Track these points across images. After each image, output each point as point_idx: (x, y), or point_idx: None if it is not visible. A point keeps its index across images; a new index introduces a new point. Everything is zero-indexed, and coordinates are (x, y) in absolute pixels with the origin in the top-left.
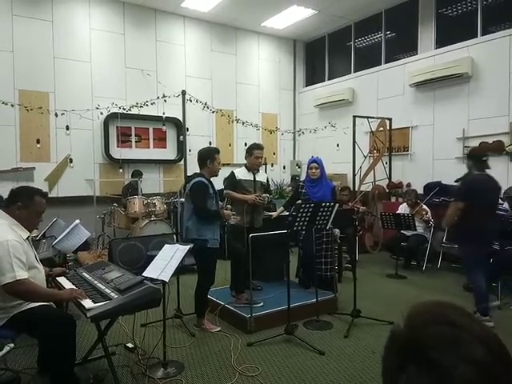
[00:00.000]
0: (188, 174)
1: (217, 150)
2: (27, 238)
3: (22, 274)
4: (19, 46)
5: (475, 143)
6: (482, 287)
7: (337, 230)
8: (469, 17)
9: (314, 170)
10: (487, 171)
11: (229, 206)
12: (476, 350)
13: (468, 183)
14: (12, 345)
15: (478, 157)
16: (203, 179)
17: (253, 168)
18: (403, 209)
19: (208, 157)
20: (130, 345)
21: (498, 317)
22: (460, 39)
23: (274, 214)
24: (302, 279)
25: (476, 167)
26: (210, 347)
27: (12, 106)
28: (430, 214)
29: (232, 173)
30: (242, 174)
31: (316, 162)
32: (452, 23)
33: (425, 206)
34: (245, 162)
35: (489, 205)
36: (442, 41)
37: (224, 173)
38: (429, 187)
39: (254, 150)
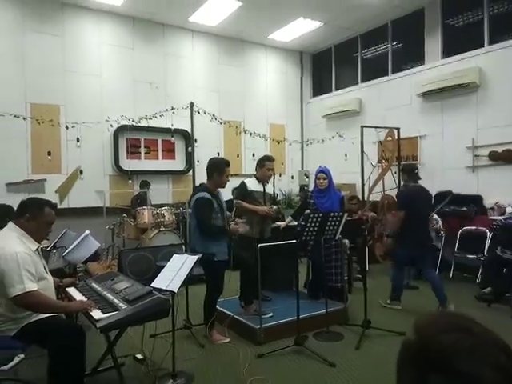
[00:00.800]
0: (196, 185)
1: (227, 163)
2: (36, 250)
3: (32, 286)
4: (30, 60)
5: (485, 152)
6: (400, 280)
7: (346, 241)
8: (475, 26)
9: (321, 181)
10: (419, 182)
11: (238, 220)
12: (499, 356)
13: (406, 194)
14: (22, 355)
15: (410, 170)
16: (206, 194)
17: (264, 179)
18: None
19: (216, 169)
20: (139, 356)
21: (511, 327)
22: (467, 49)
23: (283, 223)
24: (310, 290)
25: (410, 179)
26: (220, 358)
27: (24, 119)
28: (440, 223)
29: (243, 183)
30: (253, 184)
31: (323, 172)
32: (459, 33)
33: (435, 216)
34: (253, 172)
35: (423, 212)
36: (448, 51)
37: (233, 183)
38: (439, 197)
39: (265, 162)
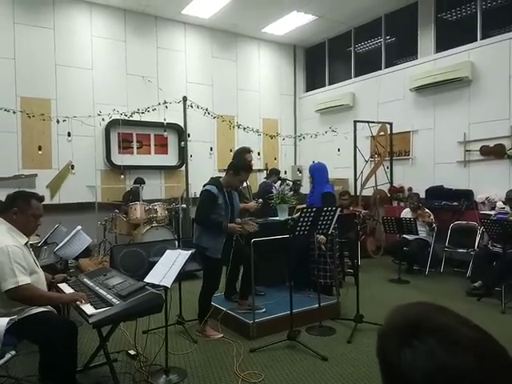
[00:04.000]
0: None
1: (245, 167)
2: (26, 244)
3: (25, 279)
4: (21, 54)
5: (476, 147)
6: None
7: (321, 237)
8: (468, 21)
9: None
10: None
11: (238, 220)
12: (458, 314)
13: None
14: (13, 352)
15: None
16: (213, 188)
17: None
18: (406, 214)
19: (233, 168)
20: (131, 351)
21: (501, 321)
22: (460, 43)
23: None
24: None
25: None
26: (213, 354)
27: (14, 112)
28: (432, 216)
29: None
30: None
31: (309, 170)
32: (452, 27)
33: (427, 210)
34: None
35: None
36: (441, 45)
37: None
38: (430, 191)
39: (246, 155)
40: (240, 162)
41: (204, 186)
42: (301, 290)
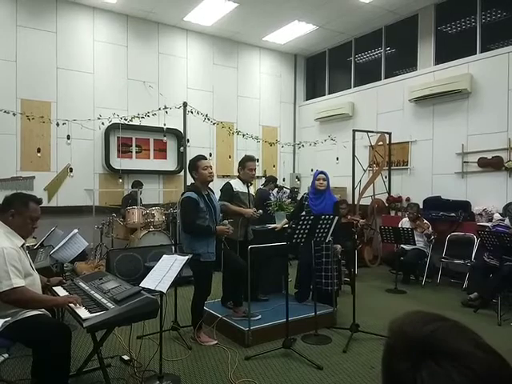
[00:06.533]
0: (187, 185)
1: (199, 158)
2: (22, 246)
3: (19, 282)
4: (22, 56)
5: (474, 159)
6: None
7: (338, 246)
8: (468, 34)
9: (321, 181)
10: None
11: (225, 221)
12: (473, 334)
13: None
14: (6, 355)
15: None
16: (192, 194)
17: (248, 180)
18: (405, 223)
19: (191, 169)
20: (125, 357)
21: (497, 333)
22: (459, 56)
23: (279, 225)
24: (298, 292)
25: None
26: (207, 361)
27: (14, 114)
28: (431, 227)
29: (229, 184)
30: (238, 185)
31: (323, 174)
32: (451, 40)
33: (425, 221)
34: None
35: None
36: (441, 57)
37: (221, 184)
38: (428, 202)
39: (246, 163)
40: (190, 161)
41: (182, 194)
42: (303, 300)
